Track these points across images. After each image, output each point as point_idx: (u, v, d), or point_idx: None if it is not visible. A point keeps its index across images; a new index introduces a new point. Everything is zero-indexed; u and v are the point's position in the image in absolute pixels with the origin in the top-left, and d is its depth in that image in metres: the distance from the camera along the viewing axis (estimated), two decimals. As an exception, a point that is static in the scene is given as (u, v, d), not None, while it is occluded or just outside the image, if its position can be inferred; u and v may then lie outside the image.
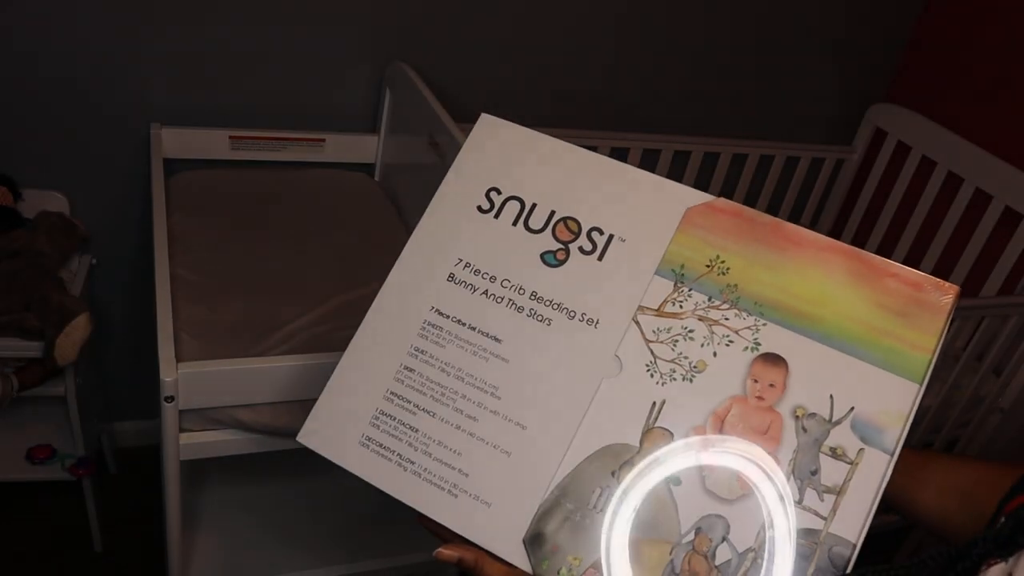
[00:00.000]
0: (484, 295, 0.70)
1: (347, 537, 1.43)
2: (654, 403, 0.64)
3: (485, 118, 0.77)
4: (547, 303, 0.69)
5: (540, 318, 0.69)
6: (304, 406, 1.15)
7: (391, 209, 1.66)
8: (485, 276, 0.71)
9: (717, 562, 0.59)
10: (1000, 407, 1.95)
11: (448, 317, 0.70)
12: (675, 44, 1.96)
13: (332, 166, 1.76)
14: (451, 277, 0.71)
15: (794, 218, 2.39)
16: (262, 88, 1.66)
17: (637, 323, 0.66)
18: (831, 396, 0.61)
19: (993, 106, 2.02)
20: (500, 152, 0.75)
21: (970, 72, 2.07)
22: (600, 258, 0.70)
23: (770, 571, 0.58)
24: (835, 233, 2.39)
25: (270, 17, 1.59)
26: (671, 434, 0.63)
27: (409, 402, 0.68)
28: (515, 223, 0.72)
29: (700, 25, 1.96)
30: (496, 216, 0.72)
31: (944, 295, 0.63)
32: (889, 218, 2.20)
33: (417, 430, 0.67)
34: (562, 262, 0.70)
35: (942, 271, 2.07)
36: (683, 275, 0.67)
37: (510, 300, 0.69)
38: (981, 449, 1.99)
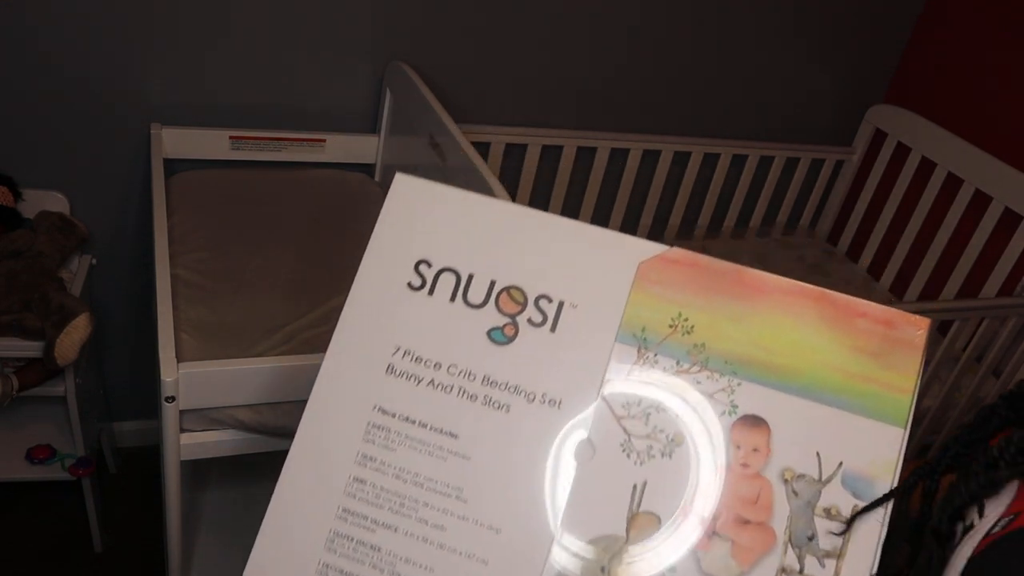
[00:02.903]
0: (431, 385, 0.61)
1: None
2: (635, 486, 0.58)
3: (400, 178, 0.66)
4: (502, 387, 0.61)
5: (497, 405, 0.61)
6: (304, 406, 1.16)
7: (391, 209, 1.66)
8: (428, 364, 0.62)
9: None
10: (1000, 408, 1.94)
11: (394, 416, 0.61)
12: (675, 45, 1.96)
13: (332, 166, 1.76)
14: (390, 369, 0.62)
15: (794, 219, 2.39)
16: (262, 88, 1.66)
17: (604, 399, 0.60)
18: (818, 453, 0.58)
19: (993, 106, 2.02)
20: (424, 217, 0.64)
21: (970, 72, 2.07)
22: (553, 329, 0.62)
23: None
24: (835, 234, 2.39)
25: (270, 17, 1.59)
26: (658, 518, 0.57)
27: (366, 518, 0.60)
28: (453, 299, 0.63)
29: (700, 26, 1.96)
30: (430, 293, 0.63)
31: (917, 330, 0.59)
32: (889, 219, 2.20)
33: (379, 549, 0.59)
34: (511, 338, 0.62)
35: (942, 271, 2.08)
36: (646, 339, 0.60)
37: (461, 388, 0.61)
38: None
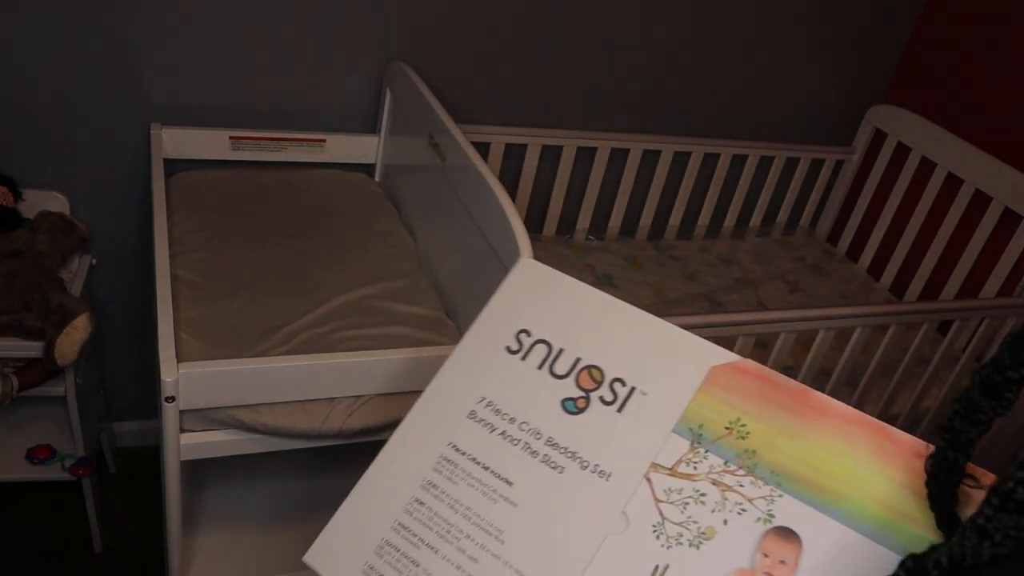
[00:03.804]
0: (502, 436, 0.69)
1: (347, 537, 1.43)
2: (657, 566, 0.62)
3: (526, 262, 0.77)
4: (562, 450, 0.68)
5: (553, 465, 0.68)
6: (304, 406, 1.16)
7: (391, 209, 1.66)
8: (505, 416, 0.70)
9: None
10: (1000, 408, 1.94)
11: (464, 454, 0.69)
12: (675, 45, 1.97)
13: (332, 166, 1.76)
14: (472, 415, 0.71)
15: (794, 219, 2.39)
16: (262, 88, 1.66)
17: (649, 480, 0.65)
18: None
19: (993, 107, 2.02)
20: (535, 295, 0.75)
21: (970, 73, 2.07)
22: (620, 410, 0.68)
23: None
24: (835, 234, 2.39)
25: (270, 18, 1.60)
26: None
27: (415, 535, 0.67)
28: (540, 366, 0.71)
29: (700, 26, 1.96)
30: (523, 358, 0.72)
31: (968, 485, 0.59)
32: (889, 219, 2.20)
33: (418, 565, 0.66)
34: (582, 410, 0.70)
35: (942, 271, 2.08)
36: (701, 435, 0.65)
37: (526, 443, 0.69)
38: (981, 450, 1.99)
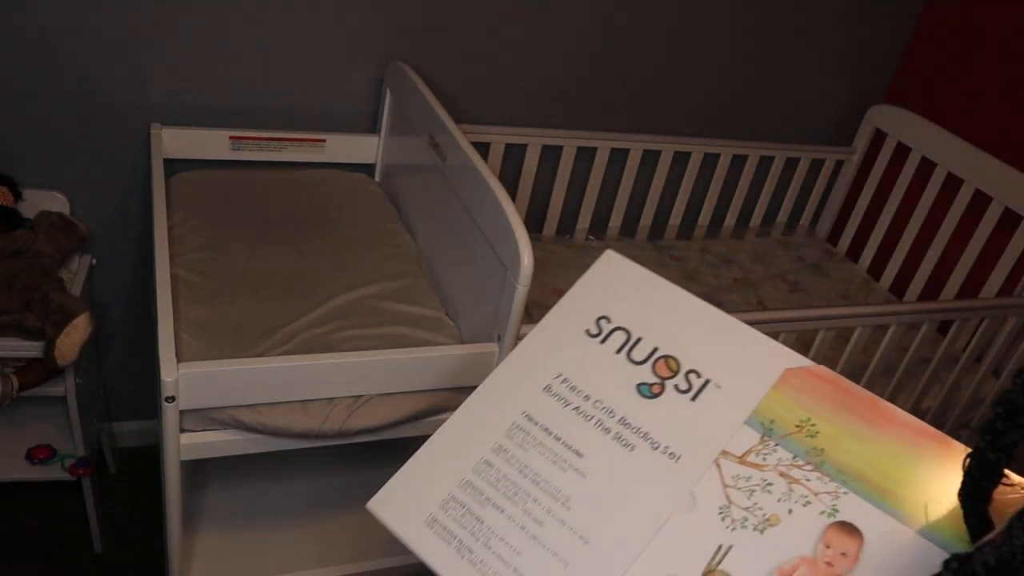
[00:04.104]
0: (575, 411, 0.74)
1: (347, 537, 1.43)
2: (720, 546, 0.65)
3: (610, 255, 0.84)
4: (634, 430, 0.72)
5: (625, 443, 0.71)
6: (304, 406, 1.16)
7: (391, 209, 1.66)
8: (580, 393, 0.75)
9: None
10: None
11: (537, 424, 0.73)
12: (676, 46, 1.97)
13: (332, 166, 1.76)
14: (547, 388, 0.75)
15: (794, 219, 2.39)
16: (262, 88, 1.66)
17: (718, 466, 0.69)
18: None
19: (993, 107, 2.02)
20: (616, 285, 0.82)
21: (970, 72, 2.07)
22: (693, 399, 0.73)
23: None
24: (835, 234, 2.39)
25: (270, 17, 1.60)
26: None
27: (481, 494, 0.70)
28: (619, 351, 0.76)
29: (700, 27, 1.96)
30: (602, 342, 0.77)
31: (1018, 493, 0.62)
32: (889, 219, 2.20)
33: (483, 522, 0.69)
34: (656, 395, 0.74)
35: (942, 271, 2.08)
36: (771, 430, 0.68)
37: (599, 420, 0.73)
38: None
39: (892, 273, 2.18)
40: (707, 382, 0.73)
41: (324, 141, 1.72)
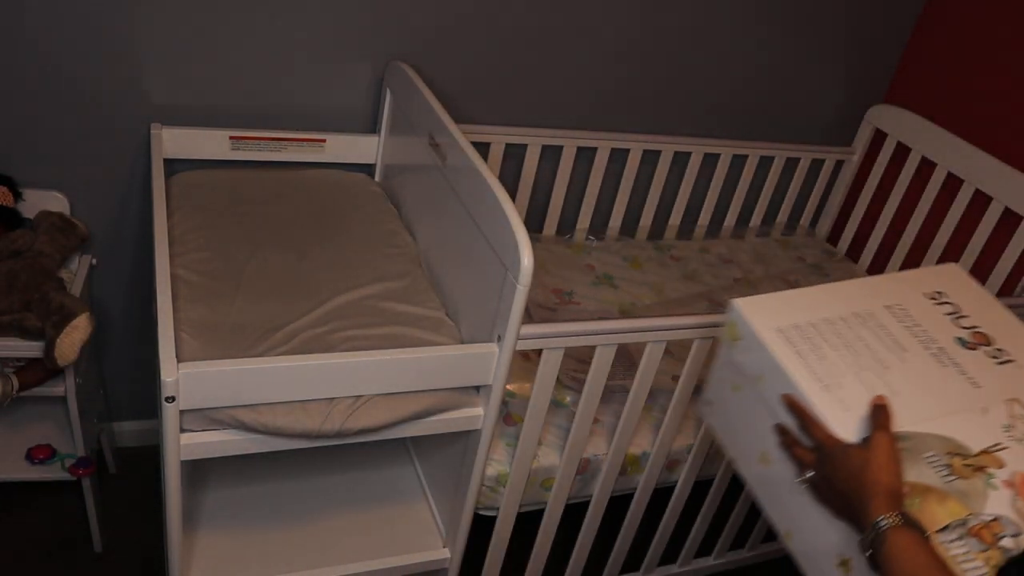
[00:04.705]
0: (906, 327, 1.07)
1: (347, 537, 1.43)
2: (999, 443, 0.95)
3: (951, 267, 1.18)
4: (948, 358, 1.03)
5: (939, 360, 1.03)
6: (304, 406, 1.16)
7: (391, 209, 1.66)
8: (912, 321, 1.08)
9: (999, 545, 0.86)
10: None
11: (878, 320, 1.07)
12: (676, 46, 1.97)
13: (332, 166, 1.76)
14: (889, 308, 1.09)
15: (794, 219, 2.39)
16: (262, 88, 1.66)
17: (1008, 403, 0.99)
18: None
19: (992, 107, 2.02)
20: (952, 282, 1.15)
21: (970, 73, 2.07)
22: (999, 364, 1.04)
23: None
24: (835, 234, 2.39)
25: (270, 18, 1.59)
26: (1001, 463, 0.93)
27: (824, 333, 1.03)
28: (947, 315, 1.09)
29: (700, 26, 1.96)
30: (936, 304, 1.10)
31: None
32: (889, 218, 2.20)
33: (819, 347, 1.01)
34: (971, 350, 1.05)
35: (942, 272, 2.08)
36: None
37: (923, 340, 1.05)
38: None
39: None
40: (1010, 360, 1.03)
41: (324, 141, 1.72)
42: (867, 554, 0.85)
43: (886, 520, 0.85)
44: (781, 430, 1.01)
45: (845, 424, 0.94)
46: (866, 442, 0.92)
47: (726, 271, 2.11)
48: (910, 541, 0.83)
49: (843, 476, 0.91)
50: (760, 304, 1.04)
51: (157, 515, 1.81)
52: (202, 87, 1.62)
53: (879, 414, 0.94)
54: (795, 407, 0.98)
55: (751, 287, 2.06)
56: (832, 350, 1.00)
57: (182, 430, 1.12)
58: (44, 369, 1.50)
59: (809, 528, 0.98)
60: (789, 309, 1.04)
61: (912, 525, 0.85)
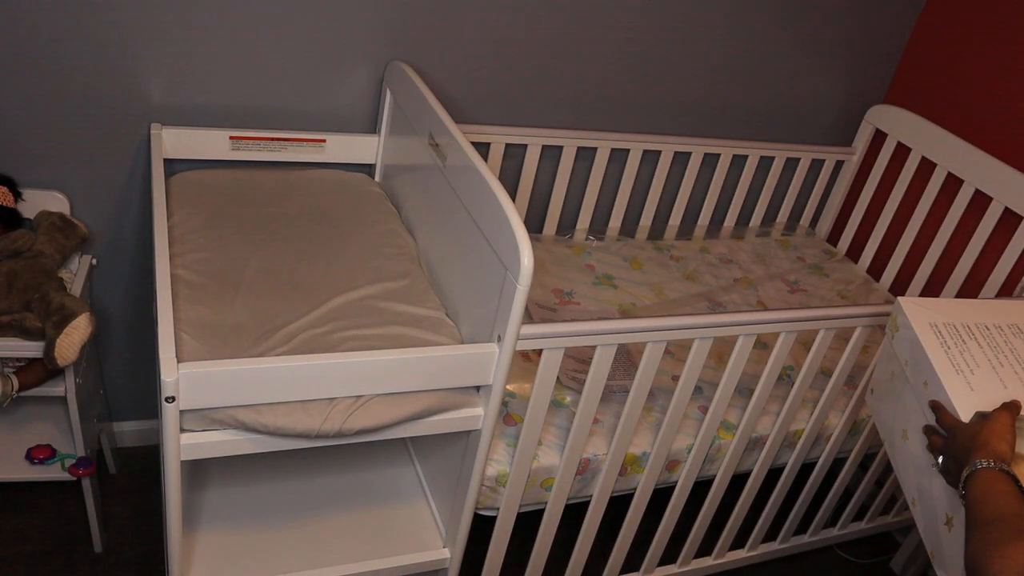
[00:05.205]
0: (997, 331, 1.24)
1: (347, 537, 1.43)
2: None
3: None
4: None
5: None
6: (304, 406, 1.16)
7: (391, 209, 1.66)
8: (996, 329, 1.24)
9: None
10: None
11: (979, 326, 1.24)
12: (676, 46, 1.97)
13: (332, 166, 1.76)
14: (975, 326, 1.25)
15: (794, 219, 2.39)
16: (262, 88, 1.66)
17: None
18: None
19: (993, 107, 2.02)
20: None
21: (970, 73, 2.07)
22: None
23: None
24: (835, 234, 2.39)
25: (270, 18, 1.59)
26: None
27: (960, 333, 1.20)
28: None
29: (700, 27, 1.96)
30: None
31: None
32: (889, 219, 2.20)
33: (963, 343, 1.15)
34: None
35: (942, 271, 2.08)
36: None
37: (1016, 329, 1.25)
38: None
39: (892, 273, 2.18)
40: None
41: (324, 141, 1.72)
42: (961, 494, 0.95)
43: (983, 463, 0.95)
44: (928, 429, 1.15)
45: (968, 403, 1.06)
46: (986, 416, 1.03)
47: (726, 271, 2.11)
48: (996, 474, 0.93)
49: (961, 441, 1.02)
50: (922, 302, 1.20)
51: (157, 515, 1.82)
52: (202, 87, 1.62)
53: (1010, 402, 1.06)
54: (935, 405, 1.12)
55: (751, 287, 2.06)
56: (976, 347, 1.14)
57: (182, 430, 1.12)
58: (44, 369, 1.50)
59: (929, 497, 1.13)
60: (948, 310, 1.20)
61: (1007, 473, 0.94)
